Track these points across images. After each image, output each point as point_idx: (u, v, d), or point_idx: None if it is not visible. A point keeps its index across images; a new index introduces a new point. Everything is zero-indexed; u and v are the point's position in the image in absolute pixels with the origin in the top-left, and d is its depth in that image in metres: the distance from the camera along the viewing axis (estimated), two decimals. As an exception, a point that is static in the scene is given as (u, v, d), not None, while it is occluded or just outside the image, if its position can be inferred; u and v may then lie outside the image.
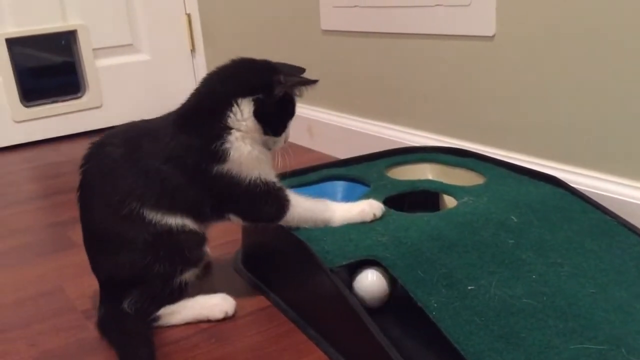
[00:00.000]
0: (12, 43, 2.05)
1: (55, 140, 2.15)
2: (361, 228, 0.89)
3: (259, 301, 0.97)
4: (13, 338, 0.93)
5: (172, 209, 0.87)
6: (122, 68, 2.23)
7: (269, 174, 0.90)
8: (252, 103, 0.87)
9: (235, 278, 1.06)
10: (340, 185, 1.13)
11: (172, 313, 0.91)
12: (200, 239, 0.90)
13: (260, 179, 0.88)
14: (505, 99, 1.19)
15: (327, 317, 0.85)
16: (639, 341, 0.69)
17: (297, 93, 0.91)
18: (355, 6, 1.50)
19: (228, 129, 0.87)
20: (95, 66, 2.18)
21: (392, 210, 0.95)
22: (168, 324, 0.92)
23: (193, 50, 2.36)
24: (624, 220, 0.93)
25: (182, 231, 0.88)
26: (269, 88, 0.88)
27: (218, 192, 0.88)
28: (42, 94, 2.13)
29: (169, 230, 0.86)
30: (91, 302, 1.00)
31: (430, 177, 1.16)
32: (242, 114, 0.87)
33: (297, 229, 0.90)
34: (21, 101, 2.09)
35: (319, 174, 1.14)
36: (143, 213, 0.85)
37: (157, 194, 0.86)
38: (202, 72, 2.34)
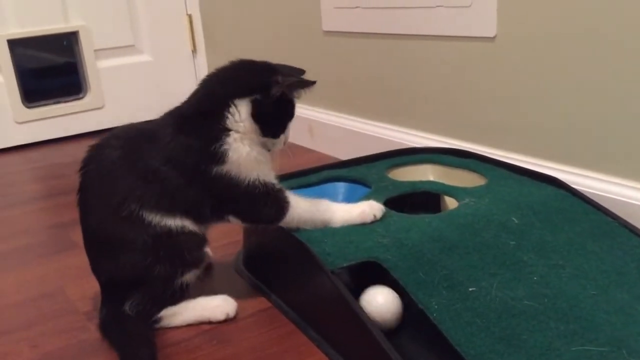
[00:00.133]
0: (14, 44, 2.05)
1: (57, 141, 2.16)
2: (362, 229, 0.89)
3: (260, 302, 0.97)
4: (15, 339, 0.93)
5: (172, 210, 0.87)
6: (124, 69, 2.23)
7: (268, 175, 0.90)
8: (249, 104, 0.88)
9: (236, 279, 1.06)
10: (341, 187, 1.13)
11: (173, 315, 0.92)
12: (200, 241, 0.90)
13: (259, 180, 0.88)
14: (506, 100, 1.19)
15: (328, 318, 0.85)
16: (640, 343, 0.69)
17: (295, 94, 0.91)
18: (357, 7, 1.50)
19: (226, 131, 0.87)
20: (97, 67, 2.18)
21: (393, 212, 0.95)
22: (169, 326, 0.92)
23: (194, 51, 2.36)
24: (625, 221, 0.93)
25: (182, 232, 0.88)
26: (266, 89, 0.87)
27: (217, 193, 0.88)
28: (44, 94, 2.14)
29: (169, 232, 0.86)
30: (92, 303, 1.00)
31: (431, 178, 1.16)
32: (240, 115, 0.87)
33: (298, 230, 0.90)
34: (23, 102, 2.09)
35: (319, 175, 1.14)
36: (142, 215, 0.85)
37: (156, 195, 0.86)
38: (203, 73, 2.33)
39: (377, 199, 0.96)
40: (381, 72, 1.50)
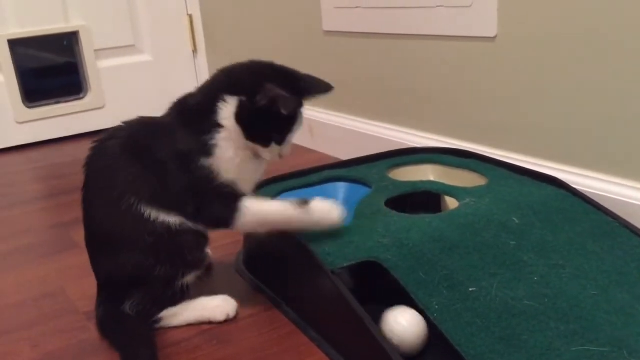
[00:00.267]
0: (15, 44, 2.05)
1: (57, 141, 2.16)
2: (363, 229, 0.89)
3: (261, 303, 0.97)
4: (15, 339, 0.93)
5: (167, 206, 0.86)
6: (124, 69, 2.24)
7: (246, 184, 0.89)
8: (236, 103, 0.86)
9: (236, 279, 1.06)
10: (341, 187, 1.13)
11: (173, 315, 0.91)
12: (201, 241, 0.90)
13: (232, 183, 0.87)
14: (507, 100, 1.19)
15: (328, 319, 0.85)
16: (640, 343, 0.69)
17: (283, 109, 0.84)
18: (357, 7, 1.50)
19: (218, 126, 0.86)
20: (98, 67, 2.18)
21: (393, 212, 0.95)
22: (169, 326, 0.92)
23: (195, 51, 2.36)
24: (626, 221, 0.93)
25: (183, 232, 0.87)
26: (252, 93, 0.85)
27: (194, 184, 0.86)
28: (44, 94, 2.14)
29: (169, 230, 0.86)
30: (93, 303, 1.00)
31: (432, 178, 1.16)
32: (226, 111, 0.86)
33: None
34: (23, 102, 2.09)
35: (320, 175, 1.14)
36: (141, 209, 0.85)
37: (153, 186, 0.86)
38: (204, 73, 2.35)
39: (378, 199, 0.96)
40: (382, 72, 1.50)
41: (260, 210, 0.87)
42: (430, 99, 1.38)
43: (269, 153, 0.90)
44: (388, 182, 1.08)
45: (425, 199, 1.05)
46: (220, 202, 0.87)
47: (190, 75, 2.37)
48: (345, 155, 1.34)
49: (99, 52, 2.17)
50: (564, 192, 1.00)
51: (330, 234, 0.88)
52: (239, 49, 2.11)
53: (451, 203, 1.02)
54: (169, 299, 0.90)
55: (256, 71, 0.89)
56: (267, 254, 1.03)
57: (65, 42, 2.15)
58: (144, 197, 0.85)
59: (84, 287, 1.06)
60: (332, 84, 0.92)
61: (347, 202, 1.06)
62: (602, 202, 0.98)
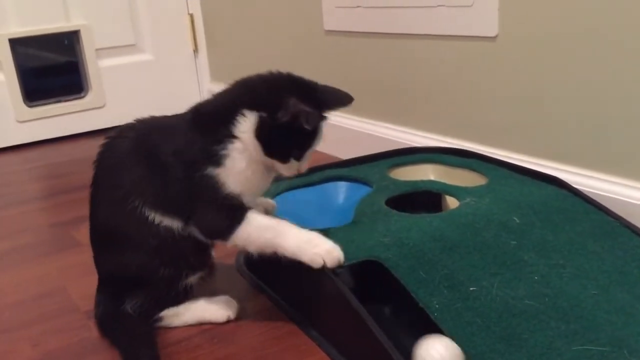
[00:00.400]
0: (15, 43, 2.05)
1: (58, 140, 2.16)
2: (363, 229, 0.89)
3: (261, 302, 0.97)
4: (16, 338, 0.93)
5: (169, 210, 0.85)
6: (125, 68, 2.24)
7: (250, 196, 0.86)
8: (256, 119, 0.83)
9: (237, 278, 1.06)
10: (342, 186, 1.13)
11: (174, 315, 0.91)
12: (205, 245, 0.89)
13: (238, 195, 0.84)
14: (508, 100, 1.19)
15: (329, 318, 0.85)
16: (641, 343, 0.69)
17: (305, 124, 0.82)
18: (358, 7, 1.50)
19: (232, 137, 0.84)
20: (98, 66, 2.18)
21: (394, 211, 0.95)
22: (170, 326, 0.92)
23: (196, 50, 2.36)
24: (627, 221, 0.93)
25: (186, 236, 0.86)
26: (274, 109, 0.82)
27: (195, 192, 0.84)
28: (45, 94, 2.14)
29: (172, 234, 0.86)
30: (93, 302, 1.00)
31: (432, 177, 1.16)
32: (245, 126, 0.83)
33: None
34: (24, 101, 2.09)
35: (321, 174, 1.14)
36: (145, 212, 0.85)
37: (157, 189, 0.85)
38: (204, 72, 2.35)
39: (378, 198, 0.96)
40: (382, 72, 1.50)
41: (263, 226, 0.83)
42: (431, 98, 1.38)
43: (287, 169, 0.87)
44: (389, 182, 1.08)
45: (425, 199, 1.05)
46: (221, 213, 0.84)
47: (191, 75, 2.37)
48: (346, 155, 1.34)
49: (99, 51, 2.17)
50: (564, 191, 1.00)
51: (331, 232, 0.88)
52: (240, 49, 2.11)
53: (451, 202, 1.02)
54: (171, 299, 0.90)
55: (276, 85, 0.85)
56: (268, 253, 1.03)
57: (66, 41, 2.15)
58: (148, 199, 0.85)
59: (84, 286, 1.05)
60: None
61: (347, 201, 1.06)
62: (602, 202, 0.98)
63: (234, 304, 0.94)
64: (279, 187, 1.09)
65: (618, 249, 0.86)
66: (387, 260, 0.81)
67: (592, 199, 0.98)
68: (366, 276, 0.85)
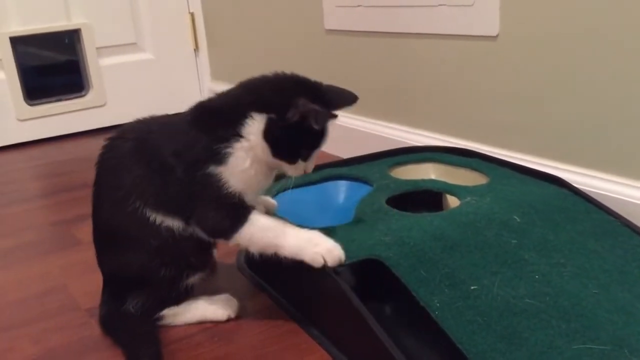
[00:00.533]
0: (16, 41, 2.05)
1: (59, 139, 2.16)
2: (364, 228, 0.89)
3: (262, 300, 0.98)
4: (17, 335, 0.94)
5: (170, 210, 0.85)
6: (126, 67, 2.24)
7: (252, 195, 0.86)
8: (264, 121, 0.82)
9: (238, 277, 1.06)
10: (343, 185, 1.13)
11: (175, 314, 0.92)
12: (206, 245, 0.89)
13: (239, 193, 0.84)
14: (508, 99, 1.19)
15: (329, 316, 0.85)
16: (641, 342, 0.69)
17: (314, 123, 0.82)
18: (359, 6, 1.50)
19: (238, 136, 0.83)
20: (99, 65, 2.18)
21: (395, 210, 0.95)
22: (170, 325, 0.92)
23: (196, 49, 2.36)
24: (627, 220, 0.93)
25: (187, 236, 0.86)
26: (282, 110, 0.82)
27: (197, 191, 0.83)
28: (46, 92, 2.14)
29: (173, 235, 0.85)
30: (95, 300, 1.00)
31: (433, 176, 1.16)
32: (253, 128, 0.83)
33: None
34: (25, 100, 2.09)
35: (321, 173, 1.14)
36: (145, 213, 0.84)
37: (157, 190, 0.84)
38: (205, 71, 2.35)
39: (379, 198, 0.96)
40: (383, 71, 1.50)
41: (265, 227, 0.84)
42: (432, 97, 1.38)
43: (294, 169, 0.87)
44: (389, 181, 1.08)
45: (426, 198, 1.05)
46: (223, 211, 0.84)
47: (191, 74, 2.37)
48: (346, 154, 1.34)
49: (100, 50, 2.17)
50: (565, 191, 1.00)
51: (331, 231, 0.88)
52: (241, 48, 2.11)
53: (452, 202, 1.02)
54: (172, 299, 0.90)
55: (283, 86, 0.85)
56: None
57: (66, 40, 2.15)
58: (148, 200, 0.84)
59: (86, 284, 1.06)
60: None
61: (348, 201, 1.06)
62: (603, 201, 0.98)
63: (235, 302, 0.94)
64: (279, 186, 1.09)
65: (619, 248, 0.86)
66: (388, 259, 0.81)
67: (592, 198, 0.98)
68: (367, 275, 0.85)
